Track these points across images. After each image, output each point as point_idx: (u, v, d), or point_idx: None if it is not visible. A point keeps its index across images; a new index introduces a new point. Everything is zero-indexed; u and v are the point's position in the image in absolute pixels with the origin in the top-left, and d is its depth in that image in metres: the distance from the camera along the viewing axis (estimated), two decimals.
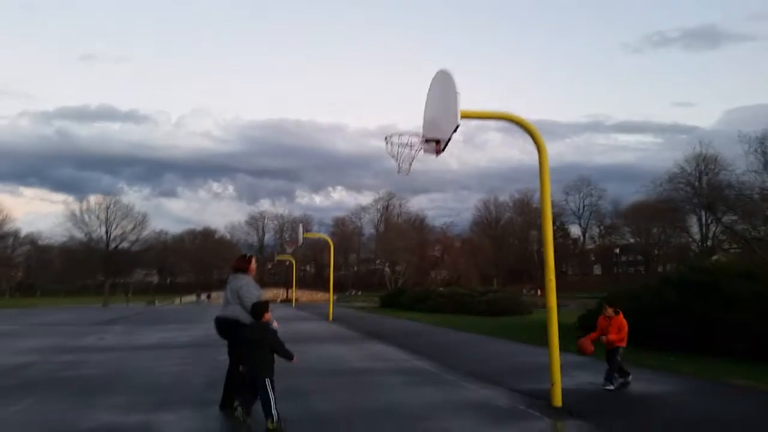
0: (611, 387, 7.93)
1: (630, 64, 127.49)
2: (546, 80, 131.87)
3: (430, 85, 7.33)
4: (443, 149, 7.00)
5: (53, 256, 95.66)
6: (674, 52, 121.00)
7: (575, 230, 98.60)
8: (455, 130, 6.52)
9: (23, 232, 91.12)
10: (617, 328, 8.26)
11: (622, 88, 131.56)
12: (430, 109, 7.32)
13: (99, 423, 6.10)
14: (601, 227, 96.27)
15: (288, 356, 5.85)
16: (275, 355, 5.88)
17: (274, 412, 5.59)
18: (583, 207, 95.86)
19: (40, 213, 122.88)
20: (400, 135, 7.19)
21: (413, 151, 7.34)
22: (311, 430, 5.77)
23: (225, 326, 6.89)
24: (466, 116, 6.66)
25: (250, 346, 5.79)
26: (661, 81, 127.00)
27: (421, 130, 7.31)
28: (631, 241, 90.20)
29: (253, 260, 7.41)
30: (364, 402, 7.22)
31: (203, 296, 64.91)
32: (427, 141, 7.12)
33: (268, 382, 5.69)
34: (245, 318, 6.67)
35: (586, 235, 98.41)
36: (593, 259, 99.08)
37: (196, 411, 6.71)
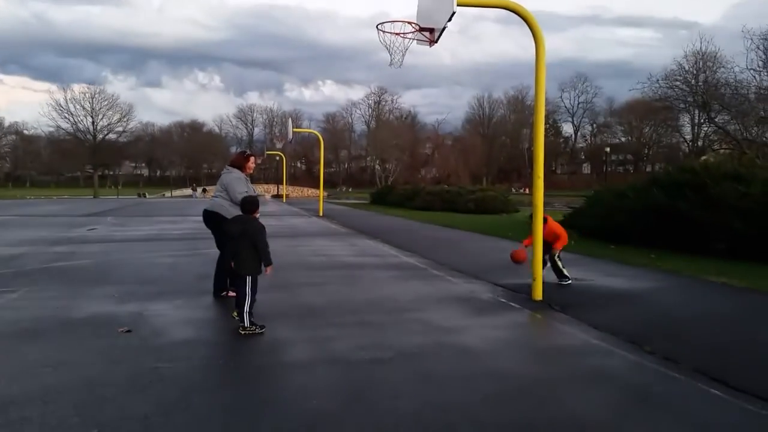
0: (567, 281, 8.07)
1: None
2: None
3: None
4: (437, 39, 6.75)
5: (40, 147, 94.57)
6: None
7: (567, 128, 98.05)
8: (450, 18, 6.25)
9: (6, 122, 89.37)
10: (553, 234, 8.01)
11: None
12: None
13: (93, 312, 6.26)
14: (594, 125, 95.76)
15: (267, 261, 5.49)
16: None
17: (246, 316, 5.43)
18: (578, 104, 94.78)
19: (22, 102, 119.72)
20: (393, 23, 6.91)
21: (406, 41, 7.08)
22: (299, 321, 5.96)
23: (209, 219, 7.02)
24: (462, 4, 6.36)
25: (234, 239, 5.57)
26: None
27: (414, 19, 7.00)
28: (623, 140, 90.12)
29: (252, 159, 7.34)
30: (353, 295, 7.43)
31: (199, 190, 64.98)
32: (421, 30, 6.84)
33: (249, 279, 5.47)
34: (228, 212, 6.74)
35: (578, 133, 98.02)
36: (583, 157, 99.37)
37: (189, 300, 6.90)
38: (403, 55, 7.40)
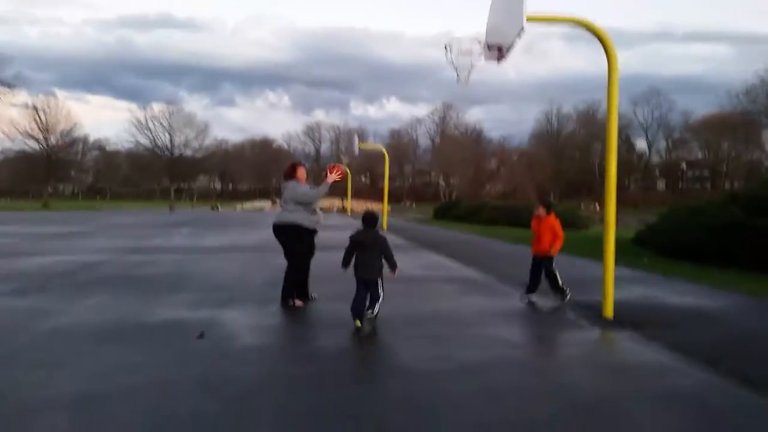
0: (567, 296, 7.57)
1: None
2: None
3: None
4: (506, 56, 6.72)
5: (120, 162, 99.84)
6: None
7: (641, 144, 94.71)
8: (520, 35, 6.22)
9: (91, 138, 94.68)
10: (550, 231, 7.56)
11: None
12: (494, 12, 6.97)
13: (168, 317, 6.54)
14: (669, 141, 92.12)
15: (393, 265, 6.26)
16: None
17: (377, 308, 6.28)
18: (652, 119, 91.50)
19: (106, 120, 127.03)
20: (460, 41, 6.93)
21: (473, 59, 7.08)
22: (366, 333, 6.02)
23: (282, 231, 7.32)
24: (532, 20, 6.31)
25: (365, 249, 6.24)
26: None
27: (481, 37, 7.00)
28: (699, 156, 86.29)
29: (299, 168, 7.66)
30: (417, 307, 7.44)
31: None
32: (489, 47, 6.83)
33: (380, 281, 6.24)
34: (304, 221, 7.20)
35: (653, 148, 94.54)
36: (658, 174, 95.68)
37: (259, 308, 7.10)
38: (470, 73, 7.41)
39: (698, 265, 11.86)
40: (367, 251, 6.25)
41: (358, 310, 6.10)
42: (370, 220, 6.49)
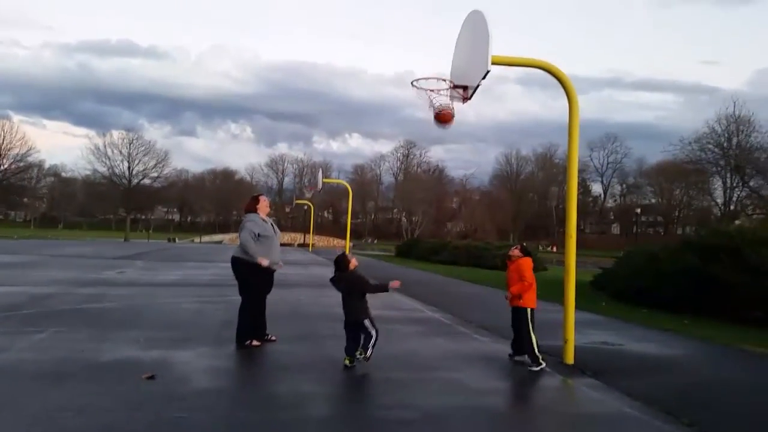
0: (536, 367, 6.32)
1: (656, 19, 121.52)
2: (565, 32, 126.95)
3: (462, 26, 7.08)
4: (471, 96, 6.81)
5: (76, 189, 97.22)
6: (703, 7, 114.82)
7: (597, 188, 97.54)
8: (485, 77, 6.32)
9: (47, 165, 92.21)
10: (516, 274, 6.60)
11: (645, 44, 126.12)
12: (459, 52, 7.09)
13: (118, 356, 6.24)
14: (624, 186, 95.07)
15: (383, 289, 6.42)
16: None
17: (371, 349, 6.05)
18: (607, 164, 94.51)
19: (63, 146, 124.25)
20: (427, 79, 7.00)
21: (440, 96, 7.15)
22: (321, 375, 5.85)
23: (235, 264, 7.16)
24: (497, 62, 6.43)
25: (344, 296, 6.17)
26: (688, 37, 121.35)
27: (444, 75, 7.10)
28: (653, 201, 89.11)
29: (261, 199, 7.49)
30: (381, 349, 7.28)
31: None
32: (455, 87, 6.92)
33: (367, 321, 6.10)
34: (243, 255, 7.00)
35: (608, 192, 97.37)
36: (612, 218, 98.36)
37: (213, 348, 6.85)
38: (439, 110, 7.46)
39: (654, 310, 12.06)
40: (347, 294, 6.18)
41: (349, 349, 6.08)
42: (341, 264, 6.35)
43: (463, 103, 7.10)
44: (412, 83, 7.34)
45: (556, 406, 5.36)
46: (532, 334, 6.51)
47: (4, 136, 70.14)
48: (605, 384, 5.91)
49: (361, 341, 6.09)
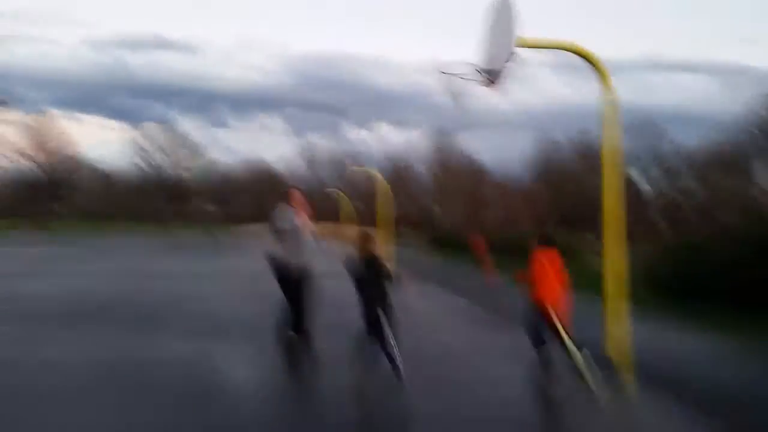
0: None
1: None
2: (597, 13, 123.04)
3: (489, 12, 6.80)
4: (499, 81, 6.54)
5: (115, 183, 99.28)
6: None
7: (633, 174, 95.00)
8: (509, 60, 6.07)
9: (86, 158, 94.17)
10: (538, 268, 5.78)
11: (680, 25, 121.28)
12: (487, 38, 6.83)
13: (161, 355, 6.23)
14: (663, 172, 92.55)
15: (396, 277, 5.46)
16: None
17: (399, 364, 5.18)
18: (644, 149, 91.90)
19: (100, 140, 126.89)
20: (454, 66, 6.75)
21: (468, 84, 6.90)
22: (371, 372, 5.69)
23: (289, 273, 6.81)
24: (524, 45, 6.16)
25: (363, 280, 5.35)
26: (724, 15, 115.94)
27: (473, 62, 6.84)
28: (694, 187, 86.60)
29: (294, 193, 7.23)
30: (419, 342, 7.10)
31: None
32: (483, 72, 6.66)
33: (386, 326, 5.24)
34: (273, 254, 6.77)
35: (646, 180, 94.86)
36: (653, 206, 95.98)
37: (254, 341, 6.83)
38: (465, 99, 7.23)
39: (705, 304, 11.46)
40: (366, 282, 5.30)
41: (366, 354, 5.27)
42: (363, 242, 5.56)
43: (491, 88, 6.84)
44: (441, 72, 7.10)
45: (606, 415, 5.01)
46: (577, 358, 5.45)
47: (41, 131, 71.92)
48: (659, 391, 5.54)
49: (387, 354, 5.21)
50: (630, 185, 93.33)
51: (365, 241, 5.54)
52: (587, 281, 13.03)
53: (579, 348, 5.41)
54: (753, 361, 6.80)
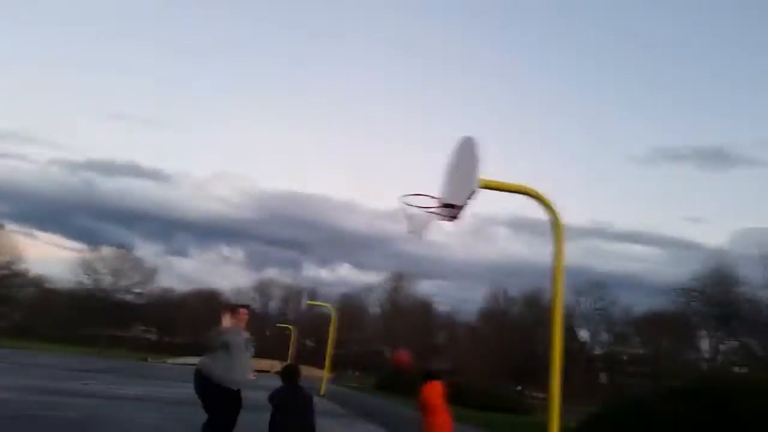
0: None
1: (640, 175, 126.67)
2: (553, 181, 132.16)
3: (454, 150, 7.32)
4: (459, 215, 6.88)
5: (57, 302, 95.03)
6: (686, 168, 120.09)
7: (583, 333, 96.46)
8: (471, 197, 6.43)
9: (31, 274, 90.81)
10: (426, 402, 6.49)
11: (631, 198, 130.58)
12: (450, 173, 7.28)
13: None
14: (611, 334, 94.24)
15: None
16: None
17: None
18: (594, 311, 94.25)
19: (52, 258, 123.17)
20: (417, 195, 7.10)
21: (428, 215, 7.22)
22: None
23: (197, 380, 6.69)
24: (486, 186, 6.57)
25: (288, 412, 5.28)
26: (672, 194, 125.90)
27: (435, 196, 7.21)
28: (641, 351, 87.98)
29: (239, 309, 7.16)
30: None
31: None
32: (443, 206, 7.01)
33: None
34: (215, 375, 6.53)
35: (595, 339, 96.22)
36: (600, 366, 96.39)
37: None
38: (424, 229, 7.50)
39: None
40: (291, 414, 5.23)
41: None
42: (290, 374, 5.57)
43: (450, 221, 7.16)
44: (400, 199, 7.43)
45: None
46: None
47: None
48: None
49: None
50: (580, 345, 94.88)
51: (292, 372, 5.65)
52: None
53: None
54: None
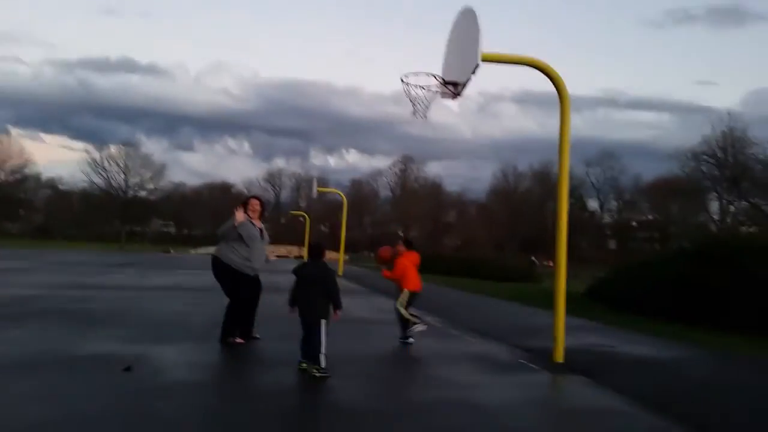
0: (408, 340, 7.47)
1: (650, 40, 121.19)
2: (562, 51, 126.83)
3: (453, 23, 7.03)
4: (461, 92, 6.74)
5: (73, 202, 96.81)
6: (697, 28, 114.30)
7: (593, 203, 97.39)
8: (474, 72, 6.25)
9: (44, 177, 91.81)
10: (401, 270, 7.67)
11: (640, 64, 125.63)
12: (451, 48, 7.04)
13: (96, 350, 6.10)
14: (620, 202, 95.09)
15: (338, 304, 5.57)
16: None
17: (322, 358, 5.37)
18: (604, 181, 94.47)
19: (61, 160, 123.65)
20: (418, 75, 6.92)
21: (431, 94, 7.08)
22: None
23: (214, 266, 7.06)
24: (488, 59, 6.36)
25: (309, 284, 5.57)
26: (683, 58, 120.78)
27: (437, 74, 7.03)
28: (650, 217, 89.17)
29: (251, 201, 7.30)
30: (366, 349, 7.17)
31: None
32: (445, 83, 6.85)
33: (323, 323, 5.49)
34: (231, 262, 6.86)
35: (604, 208, 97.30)
36: (609, 233, 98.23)
37: (195, 344, 6.71)
38: (427, 109, 7.39)
39: (648, 318, 11.91)
40: (311, 287, 5.57)
41: (304, 352, 5.55)
42: (316, 251, 5.94)
43: (453, 99, 7.04)
44: (402, 79, 7.26)
45: (543, 401, 5.23)
46: (402, 311, 7.55)
47: (3, 149, 70.48)
48: (595, 381, 5.78)
49: (312, 348, 5.44)
50: (589, 215, 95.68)
51: (316, 248, 6.01)
52: (543, 299, 13.34)
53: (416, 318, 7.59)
54: (687, 357, 7.06)
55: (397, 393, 4.93)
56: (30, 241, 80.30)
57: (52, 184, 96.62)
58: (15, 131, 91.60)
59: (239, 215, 6.86)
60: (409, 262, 7.74)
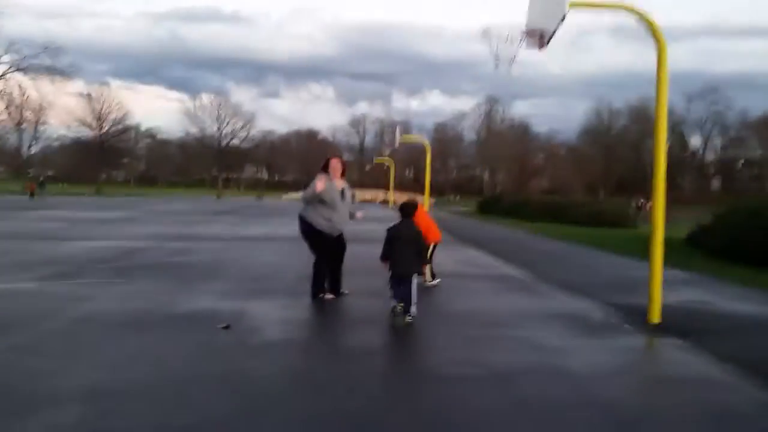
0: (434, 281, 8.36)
1: None
2: None
3: None
4: (547, 43, 6.36)
5: (171, 150, 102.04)
6: None
7: (695, 141, 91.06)
8: (562, 22, 5.86)
9: (143, 127, 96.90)
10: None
11: None
12: None
13: (196, 307, 6.46)
14: (725, 139, 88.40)
15: (426, 260, 6.24)
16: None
17: (413, 308, 5.88)
18: (707, 116, 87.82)
19: (157, 109, 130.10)
20: (501, 29, 6.61)
21: (515, 48, 6.75)
22: (393, 329, 5.81)
23: (300, 223, 7.22)
24: (576, 5, 5.94)
25: (402, 243, 5.98)
26: None
27: (522, 25, 6.65)
28: (758, 153, 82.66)
29: (334, 161, 7.36)
30: (450, 306, 7.19)
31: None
32: (530, 34, 6.48)
33: (415, 280, 5.93)
34: (313, 221, 7.01)
35: (707, 146, 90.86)
36: (712, 172, 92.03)
37: (289, 300, 6.98)
38: (512, 62, 7.10)
39: (756, 269, 11.16)
40: (405, 246, 5.96)
41: (399, 298, 5.87)
42: (407, 210, 6.25)
43: (540, 50, 6.65)
44: (484, 33, 7.00)
45: (637, 367, 5.07)
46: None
47: (104, 102, 74.79)
48: (692, 345, 5.50)
49: (405, 300, 5.84)
50: (691, 153, 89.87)
51: (408, 206, 6.38)
52: (638, 246, 12.79)
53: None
54: None
55: (484, 357, 4.90)
56: (135, 188, 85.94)
57: (151, 134, 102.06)
58: (114, 83, 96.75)
59: (319, 184, 6.88)
60: (426, 215, 8.35)
